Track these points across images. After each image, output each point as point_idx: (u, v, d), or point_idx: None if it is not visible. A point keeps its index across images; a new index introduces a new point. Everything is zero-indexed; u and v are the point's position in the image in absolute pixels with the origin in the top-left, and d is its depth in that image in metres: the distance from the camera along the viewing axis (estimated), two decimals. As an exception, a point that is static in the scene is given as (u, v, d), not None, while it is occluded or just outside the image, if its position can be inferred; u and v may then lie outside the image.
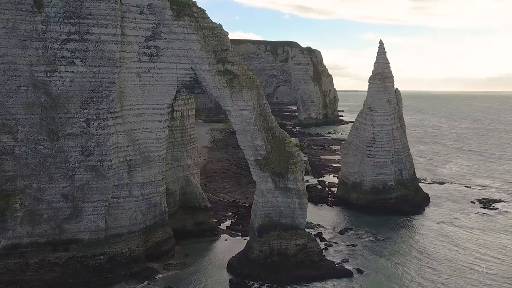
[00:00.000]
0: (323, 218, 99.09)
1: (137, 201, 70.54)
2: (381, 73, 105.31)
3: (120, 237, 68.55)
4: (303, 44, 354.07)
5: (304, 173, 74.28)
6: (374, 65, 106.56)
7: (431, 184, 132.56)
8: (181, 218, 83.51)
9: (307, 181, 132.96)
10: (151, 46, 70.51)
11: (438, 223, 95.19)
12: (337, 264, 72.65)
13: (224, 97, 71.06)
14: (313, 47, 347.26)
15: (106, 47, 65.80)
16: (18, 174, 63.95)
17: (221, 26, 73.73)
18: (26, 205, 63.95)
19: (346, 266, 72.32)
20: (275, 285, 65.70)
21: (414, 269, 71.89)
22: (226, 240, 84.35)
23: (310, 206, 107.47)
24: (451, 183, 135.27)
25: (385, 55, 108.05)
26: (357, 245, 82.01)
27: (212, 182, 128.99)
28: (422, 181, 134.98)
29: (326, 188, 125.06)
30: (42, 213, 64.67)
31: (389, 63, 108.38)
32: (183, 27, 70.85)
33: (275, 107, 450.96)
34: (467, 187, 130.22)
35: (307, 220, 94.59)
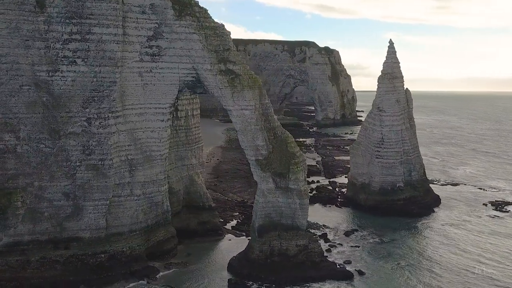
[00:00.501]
0: (330, 218, 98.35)
1: (138, 200, 70.86)
2: (390, 73, 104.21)
3: (121, 236, 68.99)
4: (326, 44, 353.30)
5: (306, 173, 73.83)
6: (383, 65, 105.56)
7: (444, 186, 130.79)
8: (185, 218, 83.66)
9: (318, 181, 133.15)
10: (153, 45, 70.83)
11: (445, 225, 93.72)
12: (339, 265, 72.07)
13: (225, 97, 71.06)
14: (335, 47, 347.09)
15: (108, 46, 66.37)
16: (20, 172, 64.79)
17: (223, 26, 73.74)
18: (28, 203, 64.76)
19: (348, 267, 71.65)
20: (274, 286, 65.46)
21: (416, 272, 70.81)
22: (230, 240, 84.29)
23: (318, 207, 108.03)
24: (465, 184, 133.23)
25: (395, 54, 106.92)
26: (360, 247, 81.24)
27: (223, 182, 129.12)
28: (435, 182, 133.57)
29: (337, 189, 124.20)
30: (43, 211, 65.42)
31: (399, 63, 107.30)
32: (185, 27, 71.03)
33: (294, 107, 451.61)
34: (481, 189, 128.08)
35: (313, 221, 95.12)
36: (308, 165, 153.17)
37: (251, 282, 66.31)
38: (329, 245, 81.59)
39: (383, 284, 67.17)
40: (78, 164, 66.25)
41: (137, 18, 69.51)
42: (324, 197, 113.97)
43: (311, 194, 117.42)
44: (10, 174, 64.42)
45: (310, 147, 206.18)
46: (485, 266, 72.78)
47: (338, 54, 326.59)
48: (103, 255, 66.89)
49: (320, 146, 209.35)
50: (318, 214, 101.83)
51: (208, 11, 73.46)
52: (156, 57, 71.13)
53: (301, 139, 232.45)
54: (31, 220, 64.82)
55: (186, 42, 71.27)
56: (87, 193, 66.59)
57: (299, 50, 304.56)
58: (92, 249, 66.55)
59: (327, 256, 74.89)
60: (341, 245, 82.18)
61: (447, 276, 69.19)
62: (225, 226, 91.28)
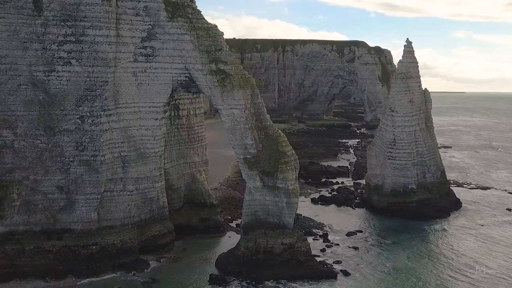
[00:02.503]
0: (339, 219, 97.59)
1: (131, 195, 73.41)
2: (405, 72, 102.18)
3: (112, 229, 71.59)
4: (390, 44, 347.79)
5: (297, 173, 74.12)
6: (398, 64, 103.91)
7: (473, 189, 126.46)
8: (186, 214, 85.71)
9: (342, 182, 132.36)
10: (147, 46, 73.37)
11: (454, 230, 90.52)
12: (326, 265, 71.85)
13: (215, 96, 72.60)
14: (400, 47, 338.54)
15: (100, 47, 69.32)
16: (17, 166, 68.79)
17: (216, 26, 75.33)
18: (23, 195, 68.59)
19: (337, 267, 71.37)
20: (253, 282, 66.31)
21: (402, 276, 68.97)
22: (230, 237, 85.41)
23: (333, 207, 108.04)
24: (495, 189, 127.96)
25: (413, 54, 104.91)
26: (358, 248, 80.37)
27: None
28: (465, 185, 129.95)
29: (358, 190, 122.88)
30: (37, 203, 69.17)
31: (417, 63, 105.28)
32: (177, 28, 73.11)
33: (349, 107, 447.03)
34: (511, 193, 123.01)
35: (320, 221, 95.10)
36: (338, 166, 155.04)
37: (233, 278, 67.47)
38: (326, 245, 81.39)
39: (366, 286, 66.40)
40: (71, 159, 69.65)
41: (131, 20, 72.23)
42: (340, 198, 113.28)
43: (330, 195, 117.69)
44: (7, 168, 68.51)
45: (350, 148, 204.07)
46: (480, 273, 70.40)
47: (390, 53, 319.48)
48: (94, 247, 69.74)
49: (360, 147, 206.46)
50: (329, 214, 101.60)
51: (201, 12, 75.49)
52: (150, 57, 73.62)
53: (343, 140, 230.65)
54: (26, 211, 68.71)
55: (178, 42, 73.37)
56: (79, 187, 69.83)
57: (348, 50, 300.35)
58: (84, 241, 69.53)
59: (318, 256, 75.04)
60: (338, 245, 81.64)
61: (433, 285, 67.11)
62: (231, 224, 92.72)
